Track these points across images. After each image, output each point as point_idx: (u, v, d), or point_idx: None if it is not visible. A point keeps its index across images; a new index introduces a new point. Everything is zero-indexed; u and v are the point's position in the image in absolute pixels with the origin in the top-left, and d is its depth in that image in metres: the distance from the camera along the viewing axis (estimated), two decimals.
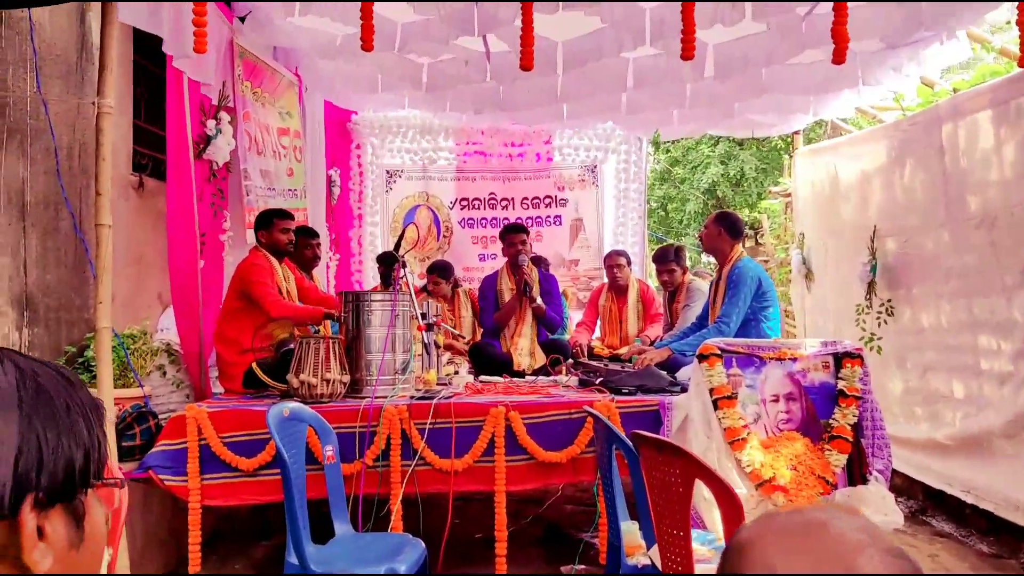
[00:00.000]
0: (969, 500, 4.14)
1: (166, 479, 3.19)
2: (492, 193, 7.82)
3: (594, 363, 4.56)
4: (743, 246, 4.51)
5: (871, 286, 5.30)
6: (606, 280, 6.04)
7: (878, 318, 5.15)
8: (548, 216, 7.87)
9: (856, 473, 3.30)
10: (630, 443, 2.50)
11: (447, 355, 4.89)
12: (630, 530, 2.73)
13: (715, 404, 3.26)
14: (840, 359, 3.37)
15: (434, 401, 3.36)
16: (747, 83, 4.86)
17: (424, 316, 3.74)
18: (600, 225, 7.85)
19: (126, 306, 4.51)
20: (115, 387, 3.64)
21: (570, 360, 5.09)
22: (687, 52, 2.89)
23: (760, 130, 6.89)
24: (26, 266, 3.53)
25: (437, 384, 3.64)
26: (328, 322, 3.79)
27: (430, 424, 3.31)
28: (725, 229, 4.21)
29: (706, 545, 2.87)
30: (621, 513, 2.87)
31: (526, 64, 3.17)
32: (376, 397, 3.46)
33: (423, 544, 2.91)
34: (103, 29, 3.04)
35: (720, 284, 4.25)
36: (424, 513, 3.37)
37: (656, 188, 26.73)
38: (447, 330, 4.57)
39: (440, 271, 5.92)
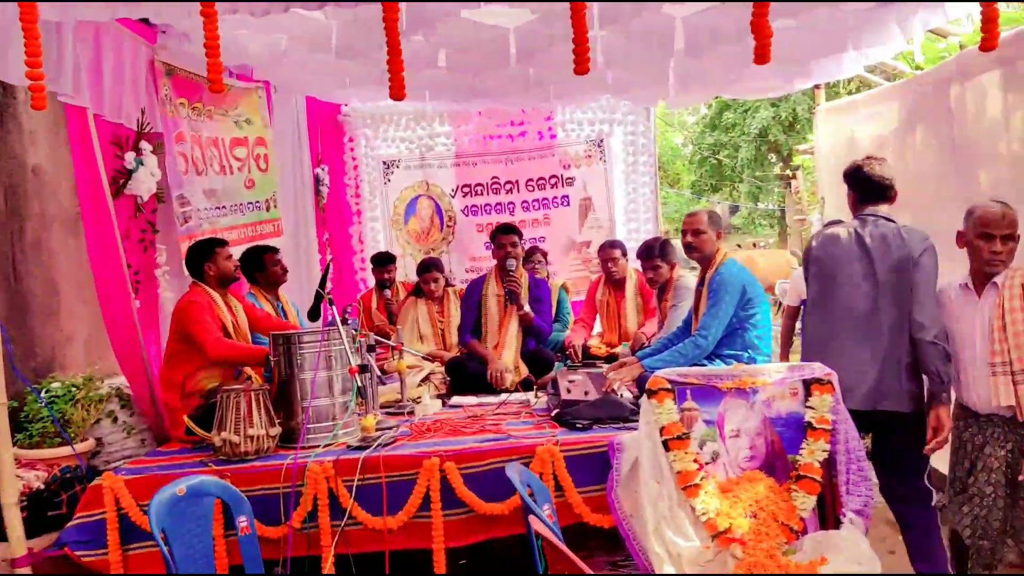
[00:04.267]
0: None
1: (83, 555, 3.04)
2: (495, 177, 7.45)
3: (577, 374, 4.19)
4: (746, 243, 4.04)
5: None
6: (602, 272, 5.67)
7: None
8: (555, 197, 7.47)
9: (830, 514, 2.92)
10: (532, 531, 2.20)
11: (419, 372, 4.62)
12: None
13: (666, 445, 2.91)
14: (808, 385, 2.96)
15: (362, 455, 3.11)
16: (730, 55, 4.36)
17: (372, 350, 3.48)
18: (610, 203, 7.42)
19: (87, 346, 4.39)
20: (48, 446, 3.52)
21: (560, 368, 4.77)
22: None
23: (773, 92, 6.32)
24: None
25: (377, 429, 3.39)
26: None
27: (358, 481, 3.07)
28: (719, 230, 3.79)
29: None
30: None
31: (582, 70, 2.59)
32: (303, 449, 3.23)
33: None
34: None
35: (703, 291, 3.84)
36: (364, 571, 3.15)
37: (707, 136, 25.78)
38: (411, 353, 4.31)
39: (435, 267, 5.65)
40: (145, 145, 3.84)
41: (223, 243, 3.98)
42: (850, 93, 9.53)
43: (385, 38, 3.65)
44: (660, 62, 4.69)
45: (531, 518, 2.17)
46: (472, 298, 4.76)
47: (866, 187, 3.23)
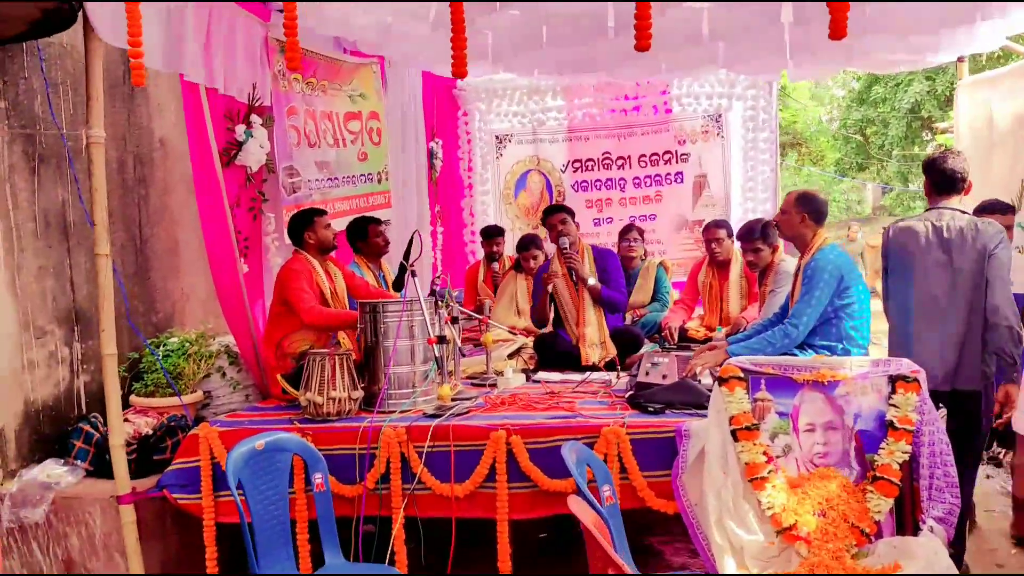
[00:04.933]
0: None
1: (180, 497, 3.30)
2: (606, 152, 7.38)
3: (664, 356, 4.10)
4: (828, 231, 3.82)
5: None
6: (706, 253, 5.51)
7: None
8: (668, 174, 7.31)
9: (908, 520, 2.75)
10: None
11: (509, 345, 4.68)
12: None
13: (734, 435, 2.83)
14: (894, 382, 2.79)
15: (433, 423, 3.20)
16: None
17: (454, 322, 3.56)
18: (727, 181, 7.18)
19: (205, 304, 4.73)
20: (160, 396, 3.83)
21: (649, 349, 4.71)
22: None
23: (905, 66, 5.89)
24: (73, 284, 3.74)
25: (454, 399, 3.47)
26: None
27: (428, 447, 3.17)
28: (808, 213, 3.61)
29: None
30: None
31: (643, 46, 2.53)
32: (383, 413, 3.37)
33: None
34: (87, 58, 3.07)
35: (798, 276, 3.68)
36: (434, 537, 3.26)
37: (853, 111, 24.28)
38: (497, 327, 4.36)
39: (534, 243, 5.69)
40: (255, 118, 4.06)
41: (322, 212, 4.17)
42: (997, 66, 8.74)
43: (482, 11, 3.68)
44: (772, 33, 4.46)
45: (570, 500, 2.17)
46: (540, 283, 4.77)
47: (940, 179, 3.50)
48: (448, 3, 3.82)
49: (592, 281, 4.57)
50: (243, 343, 4.12)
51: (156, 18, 3.25)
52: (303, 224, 4.06)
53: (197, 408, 4.01)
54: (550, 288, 4.67)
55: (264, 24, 4.20)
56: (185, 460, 3.33)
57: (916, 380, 2.75)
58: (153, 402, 3.79)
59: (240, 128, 3.97)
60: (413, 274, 3.52)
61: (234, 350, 4.23)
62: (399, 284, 3.72)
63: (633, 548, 3.21)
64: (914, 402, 2.74)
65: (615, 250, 5.51)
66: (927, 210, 3.54)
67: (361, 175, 5.29)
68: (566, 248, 4.60)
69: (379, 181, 5.57)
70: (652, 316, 5.62)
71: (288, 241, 4.15)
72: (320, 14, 4.19)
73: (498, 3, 3.57)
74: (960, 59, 6.06)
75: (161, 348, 3.99)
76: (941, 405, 2.80)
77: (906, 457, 2.72)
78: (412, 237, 3.60)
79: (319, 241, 4.07)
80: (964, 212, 3.43)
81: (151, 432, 3.55)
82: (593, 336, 4.56)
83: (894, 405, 2.77)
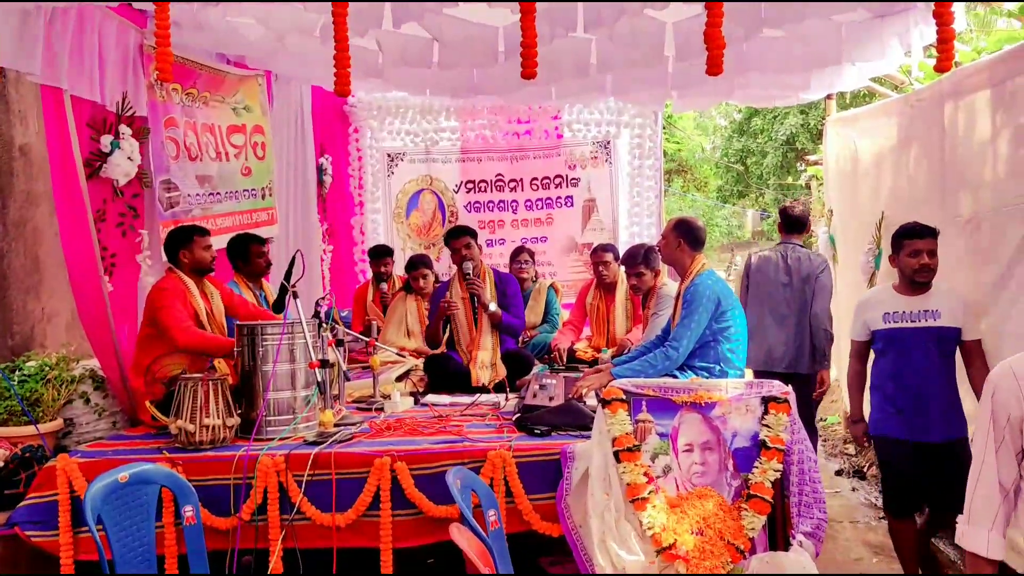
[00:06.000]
0: None
1: (34, 535, 3.06)
2: (499, 174, 7.44)
3: (553, 377, 4.13)
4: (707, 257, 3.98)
5: (872, 279, 4.69)
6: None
7: None
8: (559, 197, 7.43)
9: (780, 535, 2.86)
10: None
11: (396, 368, 4.61)
12: None
13: (616, 456, 2.87)
14: (767, 403, 2.90)
15: (314, 451, 3.09)
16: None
17: (338, 345, 3.46)
18: (614, 205, 7.37)
19: (70, 326, 4.42)
20: (15, 424, 3.54)
21: (540, 370, 4.74)
22: None
23: (778, 101, 6.22)
24: None
25: (338, 425, 3.38)
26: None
27: (308, 476, 3.06)
28: (684, 239, 3.73)
29: None
30: None
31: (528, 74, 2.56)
32: (262, 441, 3.24)
33: None
34: None
35: (679, 301, 3.79)
36: (315, 567, 3.14)
37: (734, 141, 25.46)
38: (385, 349, 4.29)
39: (423, 263, 5.64)
40: (124, 129, 3.85)
41: (203, 232, 3.98)
42: (863, 104, 9.38)
43: (374, 25, 3.63)
44: (656, 66, 4.63)
45: (451, 528, 2.13)
46: (437, 304, 4.73)
47: (789, 222, 4.83)
48: (331, 15, 3.81)
49: (493, 307, 4.56)
50: (109, 366, 3.88)
51: (7, 17, 3.04)
52: (180, 242, 3.86)
53: (58, 437, 3.74)
54: (448, 313, 4.63)
55: (140, 30, 4.01)
56: (41, 494, 3.09)
57: (787, 401, 2.88)
58: (5, 431, 3.50)
59: (106, 139, 3.75)
60: (295, 295, 3.40)
61: (100, 374, 3.97)
62: (280, 305, 3.59)
63: (527, 570, 3.20)
64: (785, 422, 2.86)
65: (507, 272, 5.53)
66: (778, 244, 4.81)
67: (245, 190, 5.11)
68: (468, 274, 4.57)
69: (263, 197, 5.40)
70: (542, 337, 5.66)
71: (164, 259, 3.94)
72: (205, 30, 4.04)
73: (383, 17, 3.52)
74: (829, 96, 6.45)
75: (16, 373, 3.70)
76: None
77: (778, 475, 2.83)
78: (294, 257, 3.49)
79: (194, 262, 3.88)
80: (803, 247, 4.77)
81: (2, 464, 3.28)
82: (485, 358, 4.54)
83: (766, 425, 2.89)
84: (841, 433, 7.03)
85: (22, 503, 3.10)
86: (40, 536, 3.06)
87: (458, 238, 4.65)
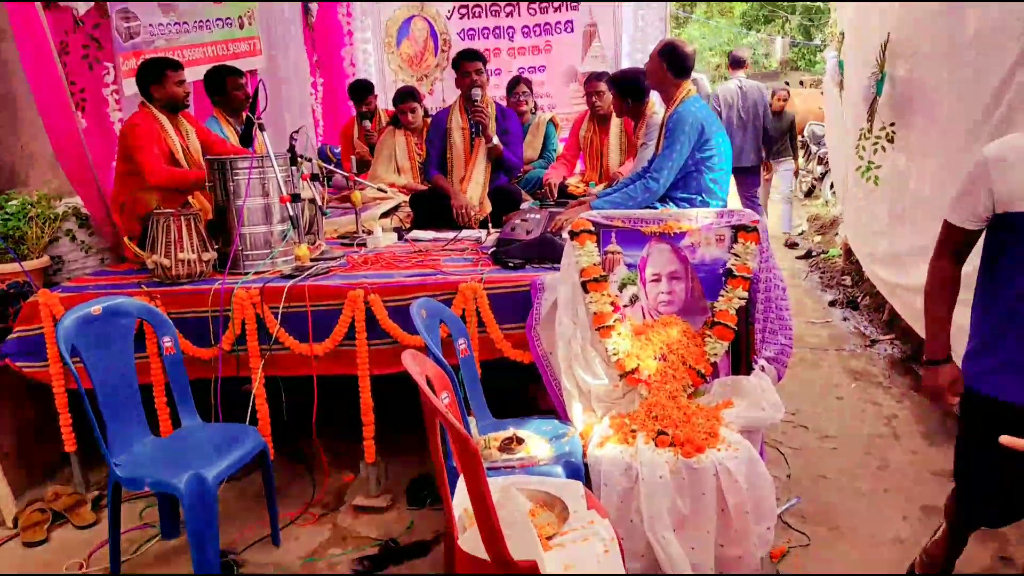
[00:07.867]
0: None
1: (25, 366, 3.18)
2: None
3: (536, 212, 4.09)
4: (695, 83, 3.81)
5: (873, 106, 4.50)
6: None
7: (875, 144, 4.40)
8: (558, 22, 7.08)
9: (743, 361, 2.91)
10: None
11: (382, 204, 4.58)
12: None
13: (584, 287, 2.88)
14: (736, 232, 2.86)
15: (288, 284, 3.13)
16: None
17: (317, 179, 3.42)
18: (617, 32, 7.01)
19: (53, 164, 4.38)
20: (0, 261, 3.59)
21: (529, 206, 4.68)
22: None
23: None
24: None
25: (316, 260, 3.39)
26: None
27: (284, 308, 3.11)
28: (668, 64, 3.54)
29: (545, 436, 2.64)
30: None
31: None
32: (233, 275, 3.27)
33: (260, 436, 2.85)
34: None
35: (662, 130, 3.66)
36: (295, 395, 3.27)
37: None
38: (369, 186, 4.23)
39: (412, 96, 5.47)
40: None
41: (176, 66, 3.82)
42: None
43: None
44: None
45: (404, 355, 2.17)
46: (437, 131, 4.59)
47: (734, 62, 7.52)
48: None
49: (496, 141, 4.43)
50: (92, 204, 3.87)
51: None
52: (151, 76, 3.73)
53: (48, 274, 3.80)
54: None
55: None
56: (27, 328, 3.19)
57: (756, 230, 2.83)
58: None
59: None
60: (261, 128, 3.32)
61: (83, 212, 3.98)
62: (247, 139, 3.52)
63: (515, 395, 3.30)
64: (753, 251, 2.83)
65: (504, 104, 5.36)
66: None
67: (217, 19, 4.89)
68: (477, 101, 4.40)
69: (241, 27, 5.17)
70: (535, 172, 5.56)
71: (130, 93, 3.83)
72: None
73: None
74: None
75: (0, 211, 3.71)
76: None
77: (743, 303, 2.84)
78: (257, 87, 3.37)
79: (167, 97, 3.75)
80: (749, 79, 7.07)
81: None
82: (474, 194, 4.48)
83: (735, 254, 2.86)
84: (839, 265, 7.03)
85: (11, 336, 3.20)
86: (30, 367, 3.19)
87: (472, 60, 4.41)
